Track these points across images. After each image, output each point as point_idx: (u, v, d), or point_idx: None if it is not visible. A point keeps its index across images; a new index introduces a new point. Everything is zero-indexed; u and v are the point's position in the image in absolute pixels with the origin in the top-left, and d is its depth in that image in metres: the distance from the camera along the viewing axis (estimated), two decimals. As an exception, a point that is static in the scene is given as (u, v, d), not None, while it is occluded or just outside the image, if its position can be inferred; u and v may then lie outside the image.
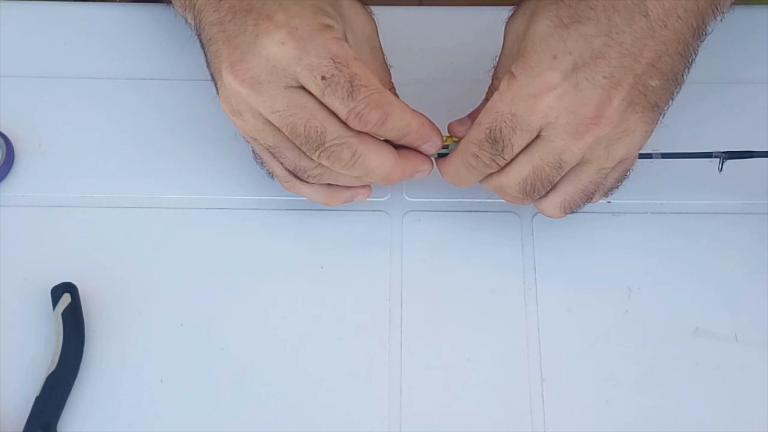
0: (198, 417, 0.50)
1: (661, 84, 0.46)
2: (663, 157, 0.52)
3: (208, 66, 0.50)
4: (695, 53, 0.48)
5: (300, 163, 0.49)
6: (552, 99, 0.45)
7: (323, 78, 0.46)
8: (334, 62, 0.46)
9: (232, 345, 0.52)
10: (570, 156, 0.46)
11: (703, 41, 0.48)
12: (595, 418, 0.50)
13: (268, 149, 0.50)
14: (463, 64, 0.61)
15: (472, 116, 0.51)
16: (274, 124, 0.47)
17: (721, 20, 0.50)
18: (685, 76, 0.48)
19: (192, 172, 0.57)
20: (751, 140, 0.56)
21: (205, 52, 0.50)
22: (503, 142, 0.47)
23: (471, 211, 0.56)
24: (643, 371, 0.51)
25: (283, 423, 0.50)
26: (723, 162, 0.51)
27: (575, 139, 0.46)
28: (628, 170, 0.50)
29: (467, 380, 0.51)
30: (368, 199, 0.55)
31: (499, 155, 0.47)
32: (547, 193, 0.49)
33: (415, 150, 0.50)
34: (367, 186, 0.52)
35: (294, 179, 0.51)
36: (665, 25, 0.45)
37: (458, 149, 0.49)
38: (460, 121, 0.51)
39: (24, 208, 0.56)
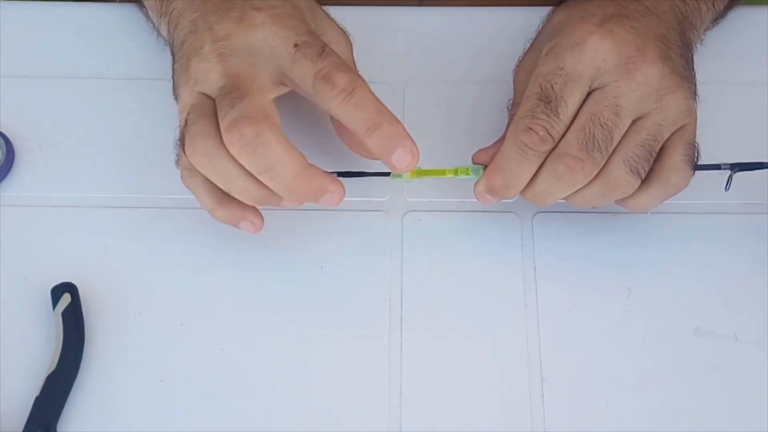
0: (198, 417, 0.50)
1: (677, 59, 0.49)
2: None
3: (177, 62, 0.51)
4: (690, 49, 0.50)
5: (197, 124, 0.47)
6: (595, 41, 0.46)
7: (295, 45, 0.47)
8: (309, 33, 0.47)
9: (232, 345, 0.52)
10: (626, 100, 0.46)
11: (698, 37, 0.52)
12: (595, 418, 0.50)
13: (192, 111, 0.48)
14: (463, 64, 0.61)
15: (498, 144, 0.50)
16: (207, 95, 0.48)
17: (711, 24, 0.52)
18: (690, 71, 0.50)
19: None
20: (752, 141, 0.57)
21: (175, 52, 0.51)
22: (556, 98, 0.46)
23: (471, 211, 0.56)
24: (643, 371, 0.51)
25: (283, 423, 0.50)
26: (731, 177, 0.51)
27: (627, 78, 0.46)
28: (692, 144, 0.49)
29: (467, 380, 0.51)
30: (368, 199, 0.56)
31: (554, 115, 0.46)
32: (610, 156, 0.47)
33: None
34: (258, 215, 0.50)
35: (180, 147, 0.49)
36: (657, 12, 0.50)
37: (508, 133, 0.48)
38: (485, 150, 0.51)
39: (24, 208, 0.56)
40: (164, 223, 0.55)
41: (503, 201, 0.55)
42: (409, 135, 0.47)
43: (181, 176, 0.51)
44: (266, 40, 0.48)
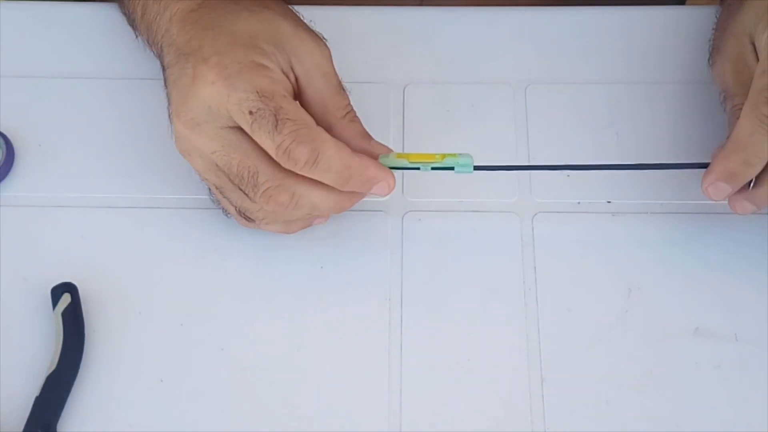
0: (198, 417, 0.50)
1: None
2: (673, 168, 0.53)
3: (167, 70, 0.51)
4: None
5: (244, 204, 0.49)
6: None
7: (251, 113, 0.46)
8: (259, 96, 0.46)
9: (232, 345, 0.52)
10: None
11: None
12: (595, 418, 0.50)
13: (218, 189, 0.50)
14: (463, 64, 0.61)
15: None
16: (217, 165, 0.48)
17: None
18: None
19: (192, 172, 0.56)
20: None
21: (162, 62, 0.52)
22: None
23: (471, 211, 0.56)
24: (643, 371, 0.51)
25: (283, 423, 0.50)
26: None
27: None
28: None
29: (467, 380, 0.51)
30: (368, 199, 0.56)
31: None
32: None
33: (365, 160, 0.48)
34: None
35: (246, 220, 0.51)
36: None
37: (745, 109, 0.47)
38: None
39: (24, 208, 0.56)
40: (164, 223, 0.55)
41: (503, 201, 0.56)
42: (381, 169, 0.48)
43: (244, 224, 0.52)
44: (220, 104, 0.47)
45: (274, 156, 0.47)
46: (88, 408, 0.50)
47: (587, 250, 0.54)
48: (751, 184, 0.49)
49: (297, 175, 0.47)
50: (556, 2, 0.64)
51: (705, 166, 0.50)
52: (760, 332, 0.52)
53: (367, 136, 0.51)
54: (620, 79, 0.60)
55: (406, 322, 0.52)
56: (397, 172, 0.51)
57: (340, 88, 0.51)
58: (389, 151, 0.51)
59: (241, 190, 0.48)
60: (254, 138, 0.47)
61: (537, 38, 0.62)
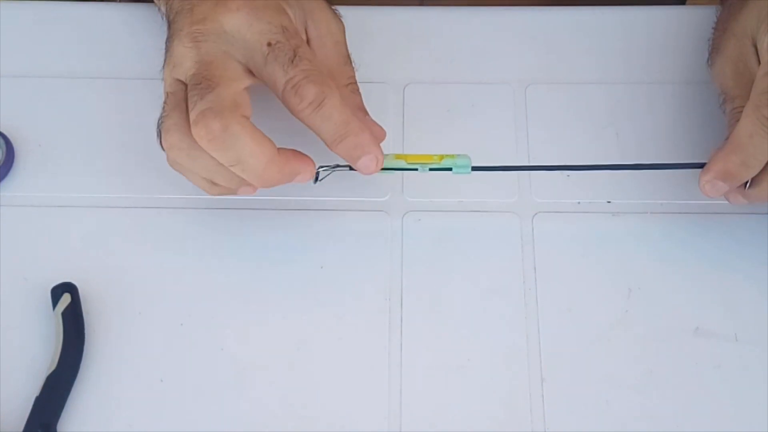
0: (198, 417, 0.50)
1: None
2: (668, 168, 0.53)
3: (167, 42, 0.50)
4: None
5: (172, 115, 0.47)
6: None
7: (269, 44, 0.46)
8: (283, 31, 0.47)
9: (232, 345, 0.52)
10: None
11: None
12: (595, 418, 0.50)
13: (168, 104, 0.48)
14: (463, 64, 0.61)
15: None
16: (181, 81, 0.48)
17: None
18: None
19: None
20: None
21: (168, 35, 0.51)
22: None
23: (471, 211, 0.56)
24: (643, 371, 0.51)
25: (283, 423, 0.50)
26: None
27: None
28: None
29: (467, 380, 0.51)
30: (368, 199, 0.56)
31: None
32: None
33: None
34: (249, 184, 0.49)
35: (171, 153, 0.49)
36: None
37: (746, 110, 0.47)
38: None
39: (24, 208, 0.56)
40: (164, 223, 0.55)
41: (503, 201, 0.56)
42: (373, 142, 0.48)
43: (168, 161, 0.50)
44: (240, 30, 0.47)
45: (280, 91, 0.46)
46: (88, 408, 0.50)
47: (587, 250, 0.54)
48: (748, 184, 0.50)
49: (243, 118, 0.46)
50: (556, 2, 0.64)
51: (703, 166, 0.50)
52: (760, 332, 0.52)
53: (364, 111, 0.52)
54: (620, 79, 0.60)
55: (406, 322, 0.52)
56: (396, 173, 0.51)
57: (348, 60, 0.52)
58: (382, 130, 0.51)
59: (185, 105, 0.47)
60: (263, 71, 0.47)
61: (537, 38, 0.62)
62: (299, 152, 0.49)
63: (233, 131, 0.45)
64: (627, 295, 0.53)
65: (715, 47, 0.55)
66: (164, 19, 0.54)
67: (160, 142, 0.49)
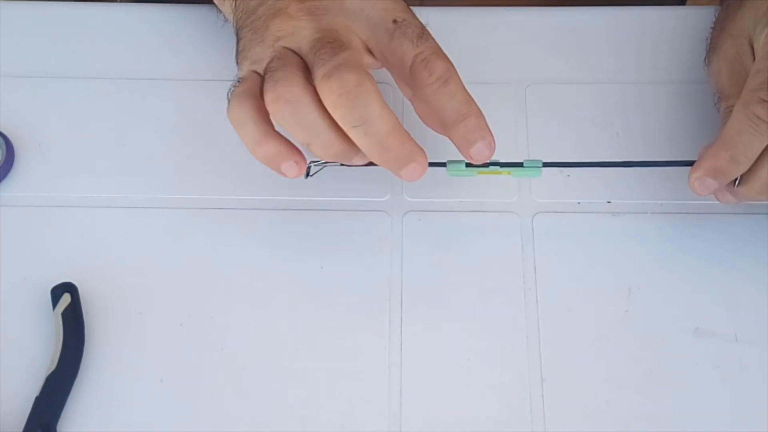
0: (198, 417, 0.50)
1: None
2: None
3: (244, 29, 0.49)
4: None
5: (284, 70, 0.45)
6: None
7: (395, 21, 0.47)
8: (408, 10, 0.47)
9: (232, 345, 0.52)
10: None
11: None
12: (595, 418, 0.50)
13: (276, 62, 0.46)
14: (463, 64, 0.61)
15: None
16: (293, 50, 0.46)
17: None
18: None
19: (192, 172, 0.57)
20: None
21: (242, 23, 0.49)
22: None
23: (471, 211, 0.56)
24: (643, 371, 0.51)
25: (283, 423, 0.50)
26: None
27: None
28: None
29: (467, 380, 0.51)
30: (368, 199, 0.56)
31: None
32: None
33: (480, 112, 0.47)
34: (302, 156, 0.47)
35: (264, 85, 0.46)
36: None
37: (737, 106, 0.47)
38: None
39: (24, 208, 0.56)
40: (164, 223, 0.55)
41: (503, 201, 0.56)
42: (489, 128, 0.48)
43: (229, 108, 0.47)
44: (363, 8, 0.47)
45: (408, 63, 0.46)
46: (88, 408, 0.50)
47: (587, 250, 0.54)
48: (737, 182, 0.50)
49: (312, 90, 0.44)
50: (557, 2, 0.64)
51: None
52: (760, 332, 0.52)
53: None
54: (620, 79, 0.60)
55: (406, 322, 0.52)
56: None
57: None
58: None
59: (302, 64, 0.46)
60: (389, 47, 0.46)
61: (537, 38, 0.62)
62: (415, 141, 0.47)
63: (367, 88, 0.44)
64: (627, 295, 0.53)
65: (712, 47, 0.55)
66: (230, 13, 0.52)
67: (261, 89, 0.46)
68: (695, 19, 0.62)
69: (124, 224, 0.55)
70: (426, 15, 0.63)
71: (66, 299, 0.51)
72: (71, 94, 0.60)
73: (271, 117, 0.46)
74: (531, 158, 0.52)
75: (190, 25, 0.59)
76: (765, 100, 0.47)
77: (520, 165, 0.51)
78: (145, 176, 0.57)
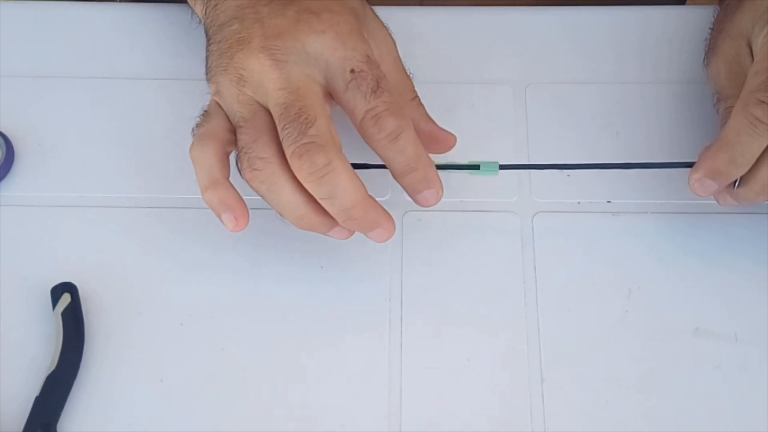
0: (198, 417, 0.50)
1: None
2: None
3: (214, 44, 0.50)
4: None
5: (257, 146, 0.47)
6: None
7: (352, 71, 0.47)
8: (367, 60, 0.47)
9: (232, 345, 0.52)
10: None
11: None
12: (595, 418, 0.50)
13: (249, 130, 0.47)
14: (463, 64, 0.61)
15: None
16: (260, 104, 0.47)
17: None
18: None
19: (192, 172, 0.56)
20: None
21: (211, 33, 0.50)
22: None
23: (471, 211, 0.56)
24: (643, 371, 0.51)
25: (283, 423, 0.50)
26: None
27: None
28: None
29: (467, 380, 0.51)
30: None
31: None
32: None
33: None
34: (245, 214, 0.48)
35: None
36: None
37: (736, 108, 0.47)
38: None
39: (24, 208, 0.56)
40: (164, 223, 0.55)
41: (503, 201, 0.56)
42: (437, 177, 0.49)
43: (192, 145, 0.49)
44: (323, 53, 0.47)
45: (359, 119, 0.47)
46: (88, 408, 0.50)
47: (587, 250, 0.54)
48: (737, 183, 0.50)
49: (285, 167, 0.46)
50: (557, 2, 0.64)
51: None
52: (760, 332, 0.52)
53: (432, 121, 0.53)
54: (620, 79, 0.60)
55: (406, 322, 0.52)
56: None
57: (407, 74, 0.53)
58: (453, 137, 0.53)
59: (270, 133, 0.47)
60: (342, 97, 0.47)
61: (537, 38, 0.62)
62: (383, 208, 0.49)
63: (335, 166, 0.45)
64: (627, 295, 0.53)
65: (710, 47, 0.55)
66: (202, 18, 0.53)
67: (238, 168, 0.48)
68: (695, 19, 0.62)
69: (124, 224, 0.55)
70: (426, 15, 0.63)
71: (66, 299, 0.51)
72: (71, 94, 0.60)
73: (251, 188, 0.48)
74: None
75: (190, 26, 0.59)
76: (764, 102, 0.46)
77: (476, 167, 0.52)
78: (145, 176, 0.57)
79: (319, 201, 0.47)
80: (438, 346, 0.52)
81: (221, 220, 0.49)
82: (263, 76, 0.47)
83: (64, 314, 0.51)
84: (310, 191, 0.47)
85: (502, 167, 0.52)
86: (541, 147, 0.58)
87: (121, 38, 0.62)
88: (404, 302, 0.53)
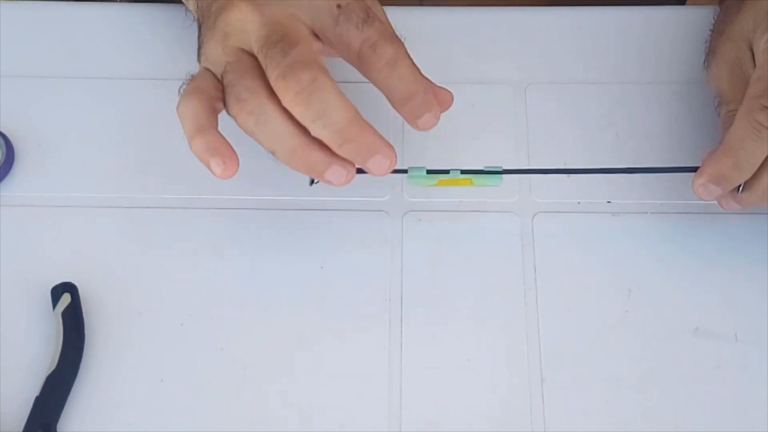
0: (198, 417, 0.50)
1: None
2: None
3: (204, 24, 0.49)
4: None
5: (243, 80, 0.46)
6: None
7: (338, 6, 0.46)
8: None
9: (232, 345, 0.52)
10: None
11: None
12: (595, 418, 0.50)
13: (232, 72, 0.47)
14: (463, 64, 0.61)
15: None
16: (245, 50, 0.47)
17: None
18: None
19: (192, 172, 0.56)
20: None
21: (203, 19, 0.50)
22: None
23: (471, 211, 0.56)
24: (643, 371, 0.51)
25: (283, 423, 0.50)
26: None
27: None
28: None
29: (467, 380, 0.51)
30: (368, 199, 0.56)
31: None
32: None
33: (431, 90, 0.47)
34: (234, 159, 0.46)
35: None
36: None
37: (739, 113, 0.47)
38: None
39: (24, 208, 0.56)
40: (164, 223, 0.55)
41: (502, 201, 0.56)
42: (434, 99, 0.47)
43: (178, 102, 0.48)
44: None
45: (356, 50, 0.46)
46: (88, 408, 0.50)
47: (587, 250, 0.54)
48: (740, 188, 0.50)
49: (273, 98, 0.45)
50: (557, 2, 0.64)
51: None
52: (760, 332, 0.52)
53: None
54: (620, 79, 0.60)
55: (406, 322, 0.52)
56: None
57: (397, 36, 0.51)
58: (449, 93, 0.51)
59: (258, 70, 0.46)
60: (333, 31, 0.46)
61: (537, 38, 0.62)
62: (380, 134, 0.46)
63: (322, 82, 0.44)
64: (627, 295, 0.53)
65: (711, 50, 0.55)
66: (194, 13, 0.53)
67: (225, 105, 0.47)
68: (695, 20, 0.62)
69: (124, 224, 0.55)
70: (426, 15, 0.63)
71: (66, 299, 0.51)
72: (71, 94, 0.60)
73: (240, 127, 0.47)
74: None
75: (190, 26, 0.59)
76: (767, 107, 0.46)
77: (481, 172, 0.51)
78: (145, 176, 0.57)
79: (311, 126, 0.45)
80: (438, 346, 0.52)
81: (210, 168, 0.47)
82: (245, 22, 0.47)
83: (64, 314, 0.51)
84: (300, 117, 0.45)
85: (506, 172, 0.52)
86: (541, 147, 0.58)
87: (121, 38, 0.62)
88: (404, 302, 0.53)
